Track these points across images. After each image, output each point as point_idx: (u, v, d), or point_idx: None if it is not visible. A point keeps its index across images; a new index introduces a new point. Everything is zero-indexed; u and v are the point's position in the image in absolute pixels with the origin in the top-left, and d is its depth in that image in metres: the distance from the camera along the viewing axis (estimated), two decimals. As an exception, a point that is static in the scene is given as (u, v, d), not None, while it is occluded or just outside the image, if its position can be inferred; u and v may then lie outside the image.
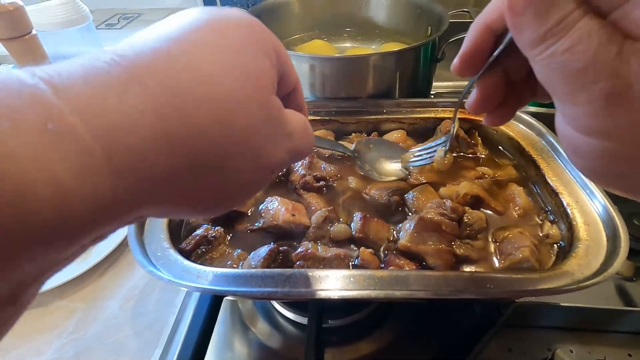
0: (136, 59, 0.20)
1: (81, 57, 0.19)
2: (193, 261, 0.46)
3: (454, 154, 0.66)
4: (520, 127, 0.66)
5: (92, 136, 0.17)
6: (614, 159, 0.21)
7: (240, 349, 0.58)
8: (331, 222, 0.53)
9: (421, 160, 0.60)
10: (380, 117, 0.71)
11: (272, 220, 0.53)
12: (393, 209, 0.56)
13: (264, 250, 0.48)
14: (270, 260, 0.47)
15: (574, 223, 0.49)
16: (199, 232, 0.51)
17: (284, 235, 0.53)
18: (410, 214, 0.55)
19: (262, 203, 0.56)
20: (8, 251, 0.15)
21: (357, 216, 0.52)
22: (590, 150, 0.21)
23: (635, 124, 0.19)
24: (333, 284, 0.42)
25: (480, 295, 0.42)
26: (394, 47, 0.88)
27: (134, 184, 0.19)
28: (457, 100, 0.71)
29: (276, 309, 0.61)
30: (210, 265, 0.48)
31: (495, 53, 0.28)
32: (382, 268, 0.48)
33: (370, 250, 0.49)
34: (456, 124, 0.50)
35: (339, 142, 0.67)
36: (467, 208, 0.52)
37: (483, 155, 0.66)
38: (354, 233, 0.52)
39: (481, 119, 0.69)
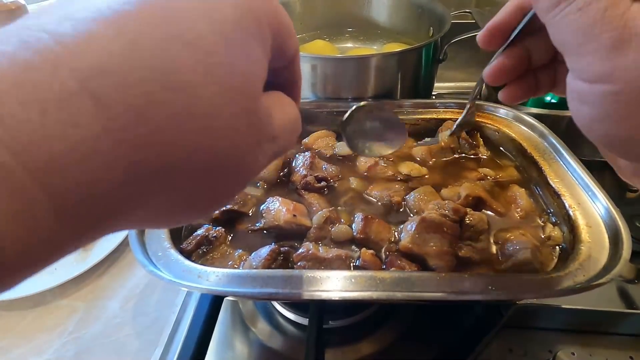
0: (77, 47, 0.15)
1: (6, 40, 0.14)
2: (194, 261, 0.46)
3: (455, 155, 0.66)
4: (522, 128, 0.66)
5: (27, 172, 0.13)
6: (616, 101, 0.24)
7: (241, 349, 0.58)
8: (332, 223, 0.53)
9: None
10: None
11: (273, 221, 0.53)
12: (394, 210, 0.56)
13: (265, 251, 0.48)
14: (272, 261, 0.47)
15: (576, 225, 0.49)
16: (200, 232, 0.51)
17: (285, 236, 0.53)
18: (411, 215, 0.55)
19: (264, 203, 0.56)
20: None
21: (359, 217, 0.52)
22: (596, 95, 0.24)
23: (637, 66, 0.22)
24: (334, 284, 0.41)
25: (481, 296, 0.42)
26: (396, 47, 0.88)
27: (87, 220, 0.16)
28: (458, 100, 0.71)
29: (277, 310, 0.61)
30: (211, 265, 0.48)
31: (519, 27, 0.31)
32: (383, 269, 0.48)
33: (371, 251, 0.49)
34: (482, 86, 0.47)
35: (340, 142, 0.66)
36: (468, 209, 0.52)
37: (485, 157, 0.66)
38: (355, 234, 0.51)
39: (482, 120, 0.69)
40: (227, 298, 0.61)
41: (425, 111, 0.71)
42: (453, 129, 0.58)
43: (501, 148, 0.68)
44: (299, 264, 0.47)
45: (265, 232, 0.54)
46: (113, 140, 0.15)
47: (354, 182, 0.61)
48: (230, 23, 0.19)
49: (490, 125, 0.69)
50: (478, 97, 0.40)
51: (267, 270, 0.45)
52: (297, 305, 0.60)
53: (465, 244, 0.50)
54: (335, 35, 0.99)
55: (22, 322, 0.60)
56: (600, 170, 0.53)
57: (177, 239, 0.50)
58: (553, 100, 0.82)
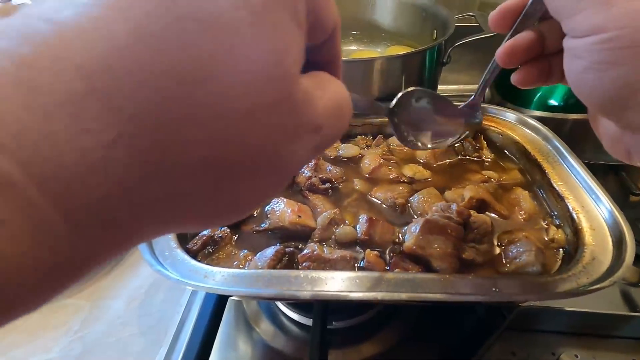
0: (80, 39, 0.13)
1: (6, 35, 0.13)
2: (200, 261, 0.46)
3: (459, 157, 0.66)
4: (526, 131, 0.66)
5: (38, 188, 0.12)
6: (608, 48, 0.25)
7: (245, 349, 0.58)
8: (337, 224, 0.53)
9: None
10: (385, 120, 0.71)
11: (278, 222, 0.53)
12: (398, 212, 0.57)
13: (270, 251, 0.48)
14: (277, 261, 0.48)
15: (580, 228, 0.49)
16: (205, 232, 0.52)
17: (290, 237, 0.53)
18: (415, 216, 0.55)
19: (268, 204, 0.56)
20: None
21: (363, 218, 0.53)
22: (589, 44, 0.26)
23: (631, 11, 0.24)
24: (338, 285, 0.42)
25: (485, 299, 0.42)
26: (400, 50, 0.88)
27: (101, 237, 0.14)
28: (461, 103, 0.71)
29: (281, 310, 0.62)
30: (217, 265, 0.48)
31: (526, 7, 0.33)
32: (387, 270, 0.48)
33: (376, 252, 0.49)
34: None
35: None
36: (472, 212, 0.52)
37: (489, 159, 0.66)
38: (359, 235, 0.52)
39: (486, 123, 0.69)
40: (231, 298, 0.61)
41: (429, 114, 0.71)
42: (479, 89, 0.45)
43: (505, 151, 0.68)
44: (303, 264, 0.48)
45: (270, 232, 0.54)
46: (126, 146, 0.13)
47: (358, 184, 0.62)
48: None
49: (494, 128, 0.69)
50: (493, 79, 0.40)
51: (272, 270, 0.46)
52: (301, 305, 0.60)
53: (468, 246, 0.50)
54: (339, 38, 1.00)
55: (27, 321, 0.61)
56: (603, 173, 0.53)
57: (183, 238, 0.50)
58: (556, 104, 0.82)
